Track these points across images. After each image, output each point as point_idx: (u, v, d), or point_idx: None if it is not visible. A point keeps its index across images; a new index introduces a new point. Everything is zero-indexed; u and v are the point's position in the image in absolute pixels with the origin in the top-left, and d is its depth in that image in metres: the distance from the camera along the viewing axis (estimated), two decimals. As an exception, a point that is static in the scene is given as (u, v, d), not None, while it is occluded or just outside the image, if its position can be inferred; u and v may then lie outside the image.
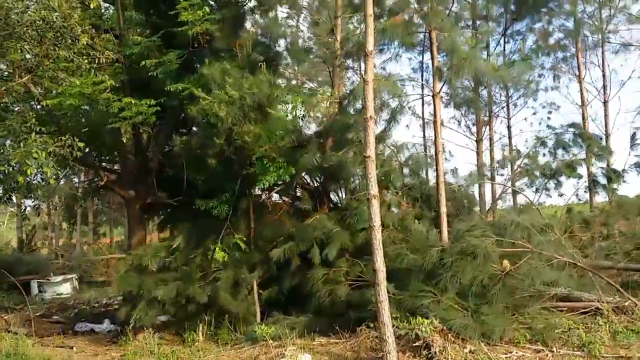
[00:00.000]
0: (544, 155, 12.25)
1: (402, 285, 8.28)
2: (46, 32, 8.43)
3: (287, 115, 9.65)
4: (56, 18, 8.33)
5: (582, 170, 12.35)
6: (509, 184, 13.52)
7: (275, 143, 9.12)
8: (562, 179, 12.11)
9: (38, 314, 13.50)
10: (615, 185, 11.60)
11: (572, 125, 13.06)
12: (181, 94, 9.47)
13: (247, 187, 9.95)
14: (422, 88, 11.97)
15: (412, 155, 11.63)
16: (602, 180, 11.82)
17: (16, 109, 9.92)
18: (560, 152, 12.02)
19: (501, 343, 7.46)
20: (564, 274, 8.24)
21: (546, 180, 11.51)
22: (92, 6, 9.02)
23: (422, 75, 20.25)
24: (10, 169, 8.75)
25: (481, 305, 7.81)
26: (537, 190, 11.31)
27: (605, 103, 19.44)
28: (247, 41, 10.65)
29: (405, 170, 11.31)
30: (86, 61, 9.10)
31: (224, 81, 8.99)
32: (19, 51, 8.48)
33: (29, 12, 8.28)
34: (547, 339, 7.48)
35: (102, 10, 11.16)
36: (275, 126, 9.11)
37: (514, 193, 15.77)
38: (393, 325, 6.98)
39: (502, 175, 19.30)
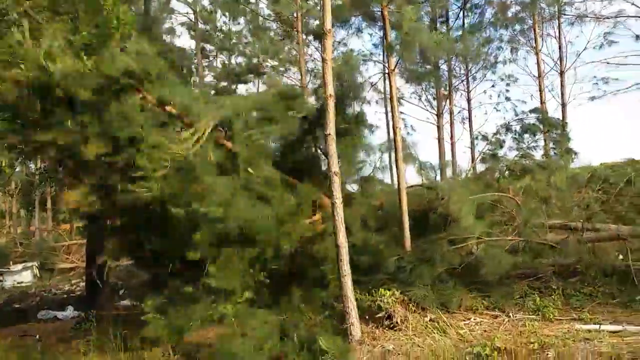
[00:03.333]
0: (504, 141, 12.27)
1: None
2: None
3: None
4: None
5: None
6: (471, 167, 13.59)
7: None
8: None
9: (-1, 303, 13.24)
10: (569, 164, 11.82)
11: (534, 110, 13.21)
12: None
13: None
14: (383, 65, 12.00)
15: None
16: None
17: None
18: (526, 136, 12.08)
19: (460, 311, 7.72)
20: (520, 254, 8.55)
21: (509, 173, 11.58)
22: None
23: (383, 51, 20.37)
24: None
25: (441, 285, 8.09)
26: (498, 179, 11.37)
27: (561, 74, 19.89)
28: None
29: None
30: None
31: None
32: None
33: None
34: (504, 306, 7.77)
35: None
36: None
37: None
38: (356, 299, 7.14)
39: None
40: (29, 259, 18.30)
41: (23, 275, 16.59)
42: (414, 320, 7.25)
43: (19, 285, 16.01)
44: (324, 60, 7.42)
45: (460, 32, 19.56)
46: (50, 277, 16.88)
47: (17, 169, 20.05)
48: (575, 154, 11.67)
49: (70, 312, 11.41)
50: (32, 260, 18.08)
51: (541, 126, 11.40)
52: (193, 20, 26.15)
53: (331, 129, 7.28)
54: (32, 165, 23.44)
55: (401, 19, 9.06)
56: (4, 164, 8.46)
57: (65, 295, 13.92)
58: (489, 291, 8.22)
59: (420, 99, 22.53)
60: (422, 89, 21.40)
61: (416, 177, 12.08)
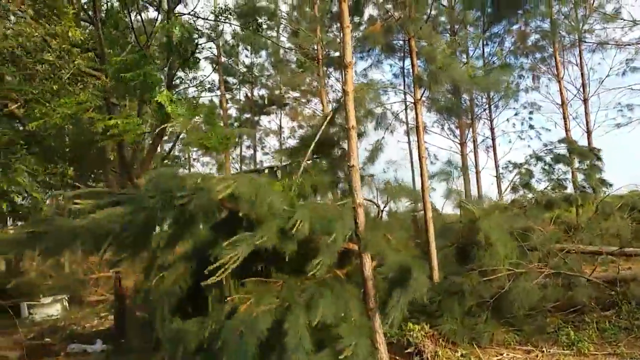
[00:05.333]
0: (533, 177, 12.11)
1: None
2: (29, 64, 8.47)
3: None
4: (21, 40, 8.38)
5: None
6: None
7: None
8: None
9: (29, 337, 13.33)
10: (602, 193, 11.62)
11: (563, 140, 13.10)
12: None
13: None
14: (405, 95, 12.05)
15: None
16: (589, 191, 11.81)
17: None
18: (557, 166, 11.93)
19: (492, 345, 7.55)
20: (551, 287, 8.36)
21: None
22: (71, 35, 9.05)
23: (404, 81, 20.51)
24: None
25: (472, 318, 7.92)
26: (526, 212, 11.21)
27: (585, 101, 19.76)
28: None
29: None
30: (80, 86, 9.17)
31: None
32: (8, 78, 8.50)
33: (9, 40, 8.31)
34: (537, 340, 7.58)
35: (83, 31, 11.20)
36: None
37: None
38: (384, 333, 7.03)
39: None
40: (58, 292, 18.47)
41: (53, 308, 16.74)
42: (444, 356, 7.09)
43: (48, 318, 16.15)
44: (345, 92, 7.47)
45: (481, 62, 19.66)
46: (80, 310, 17.00)
47: (47, 202, 20.46)
48: (610, 185, 11.51)
49: (99, 345, 11.43)
50: (61, 293, 18.26)
51: (571, 156, 11.26)
52: (216, 54, 26.69)
53: (354, 159, 7.28)
54: (61, 199, 23.95)
55: (430, 52, 9.13)
56: (40, 199, 8.68)
57: (94, 329, 14.00)
58: (520, 325, 8.03)
59: (442, 128, 22.54)
60: (445, 118, 21.42)
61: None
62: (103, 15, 11.44)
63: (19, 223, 11.95)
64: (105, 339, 11.51)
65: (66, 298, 17.68)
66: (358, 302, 6.72)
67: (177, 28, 9.57)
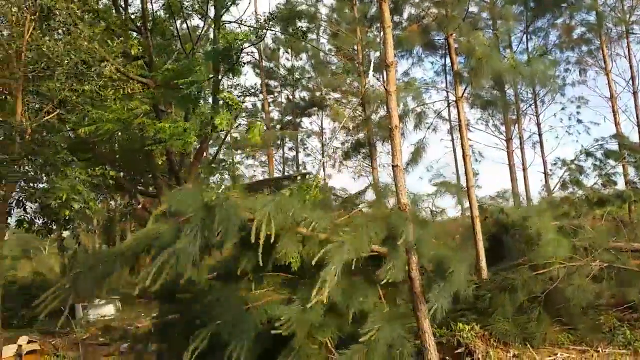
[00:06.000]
0: (584, 173, 11.76)
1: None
2: (72, 69, 8.84)
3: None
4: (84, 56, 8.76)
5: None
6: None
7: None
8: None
9: (84, 337, 13.83)
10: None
11: (615, 136, 12.70)
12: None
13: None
14: (447, 93, 11.96)
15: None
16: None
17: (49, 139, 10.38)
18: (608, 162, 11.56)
19: (545, 345, 7.38)
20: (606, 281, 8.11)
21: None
22: (133, 53, 9.39)
23: (445, 78, 20.34)
24: (54, 204, 9.13)
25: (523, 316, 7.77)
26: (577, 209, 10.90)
27: (635, 94, 19.08)
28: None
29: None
30: (111, 92, 9.51)
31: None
32: (49, 87, 8.89)
33: (70, 56, 8.69)
34: (591, 340, 7.38)
35: (132, 40, 11.60)
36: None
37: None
38: (434, 334, 6.98)
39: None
40: (111, 293, 19.03)
41: (106, 309, 17.26)
42: (496, 357, 6.99)
43: (102, 318, 16.68)
44: (388, 92, 7.45)
45: (525, 57, 19.28)
46: (132, 310, 17.49)
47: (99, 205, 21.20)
48: None
49: (151, 345, 11.76)
50: (114, 294, 18.80)
51: (622, 151, 10.91)
52: (258, 58, 27.06)
53: (399, 160, 7.26)
54: (113, 203, 24.79)
55: (469, 47, 9.02)
56: (92, 204, 9.04)
57: (146, 329, 14.39)
58: (574, 324, 7.81)
59: (487, 125, 22.18)
60: (489, 114, 21.06)
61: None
62: (150, 24, 11.82)
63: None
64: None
65: (119, 299, 18.18)
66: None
67: (223, 38, 9.84)
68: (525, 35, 20.28)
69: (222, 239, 5.95)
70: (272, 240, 6.07)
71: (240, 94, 19.89)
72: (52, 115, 9.96)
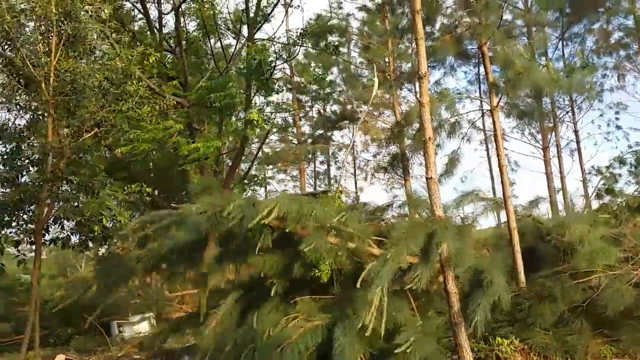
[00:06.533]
0: (620, 175, 11.39)
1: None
2: (107, 92, 9.03)
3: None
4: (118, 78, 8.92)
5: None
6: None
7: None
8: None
9: (120, 355, 13.95)
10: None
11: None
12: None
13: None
14: (481, 102, 11.75)
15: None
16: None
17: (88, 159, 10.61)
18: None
19: (587, 359, 7.08)
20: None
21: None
22: (150, 61, 9.59)
23: (479, 87, 20.06)
24: (83, 220, 9.29)
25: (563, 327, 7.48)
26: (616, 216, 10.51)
27: (675, 97, 18.46)
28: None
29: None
30: (147, 109, 9.68)
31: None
32: (86, 108, 9.10)
33: (95, 75, 8.91)
34: (635, 352, 7.04)
35: (165, 60, 11.82)
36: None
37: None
38: (472, 349, 6.78)
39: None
40: (146, 310, 19.22)
41: (141, 326, 17.40)
42: (536, 372, 6.75)
43: (137, 335, 16.81)
44: (420, 104, 7.35)
45: (561, 63, 18.89)
46: (166, 327, 17.58)
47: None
48: None
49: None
50: (149, 310, 18.98)
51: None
52: (288, 74, 27.25)
53: (433, 172, 7.13)
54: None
55: (504, 56, 8.85)
56: (123, 222, 9.18)
57: (180, 345, 14.45)
58: (617, 335, 7.48)
59: (523, 134, 21.76)
60: (525, 122, 20.65)
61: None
62: (184, 43, 12.03)
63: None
64: (191, 355, 11.85)
65: (153, 316, 18.33)
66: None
67: (257, 52, 9.95)
68: (560, 41, 19.90)
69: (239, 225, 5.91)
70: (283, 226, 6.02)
71: (272, 111, 20.01)
72: (89, 135, 10.20)
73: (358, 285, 5.48)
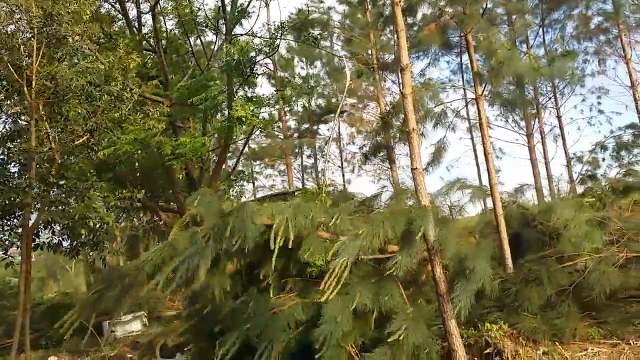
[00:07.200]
0: (603, 159, 11.53)
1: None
2: (91, 95, 8.94)
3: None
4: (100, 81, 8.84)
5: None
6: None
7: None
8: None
9: (112, 354, 13.93)
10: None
11: (631, 126, 12.44)
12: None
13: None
14: (464, 91, 11.83)
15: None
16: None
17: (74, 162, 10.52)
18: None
19: (574, 341, 7.21)
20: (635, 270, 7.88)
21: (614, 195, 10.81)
22: (131, 66, 9.52)
23: (462, 77, 20.14)
24: (71, 223, 9.22)
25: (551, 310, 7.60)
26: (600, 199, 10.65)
27: (656, 80, 18.70)
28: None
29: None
30: (140, 115, 9.64)
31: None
32: (78, 113, 9.01)
33: (77, 78, 8.80)
34: (622, 333, 7.17)
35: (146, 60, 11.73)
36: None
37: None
38: (461, 335, 6.87)
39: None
40: (137, 309, 19.14)
41: (133, 325, 17.34)
42: (525, 355, 6.85)
43: (129, 334, 16.76)
44: (403, 95, 7.39)
45: (542, 50, 19.04)
46: (158, 325, 17.55)
47: (122, 224, 21.37)
48: None
49: (179, 357, 11.82)
50: (140, 309, 18.90)
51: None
52: (271, 69, 27.15)
53: (418, 162, 7.19)
54: (135, 220, 25.00)
55: (487, 45, 8.91)
56: (111, 224, 9.13)
57: (173, 343, 14.44)
58: (604, 316, 7.62)
59: (507, 121, 21.91)
60: (509, 110, 20.79)
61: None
62: (164, 42, 11.94)
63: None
64: (184, 352, 11.87)
65: (144, 314, 18.26)
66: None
67: (236, 50, 9.89)
68: (541, 28, 20.05)
69: (240, 245, 5.99)
70: (291, 243, 6.11)
71: (255, 107, 19.96)
72: (81, 140, 10.12)
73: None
